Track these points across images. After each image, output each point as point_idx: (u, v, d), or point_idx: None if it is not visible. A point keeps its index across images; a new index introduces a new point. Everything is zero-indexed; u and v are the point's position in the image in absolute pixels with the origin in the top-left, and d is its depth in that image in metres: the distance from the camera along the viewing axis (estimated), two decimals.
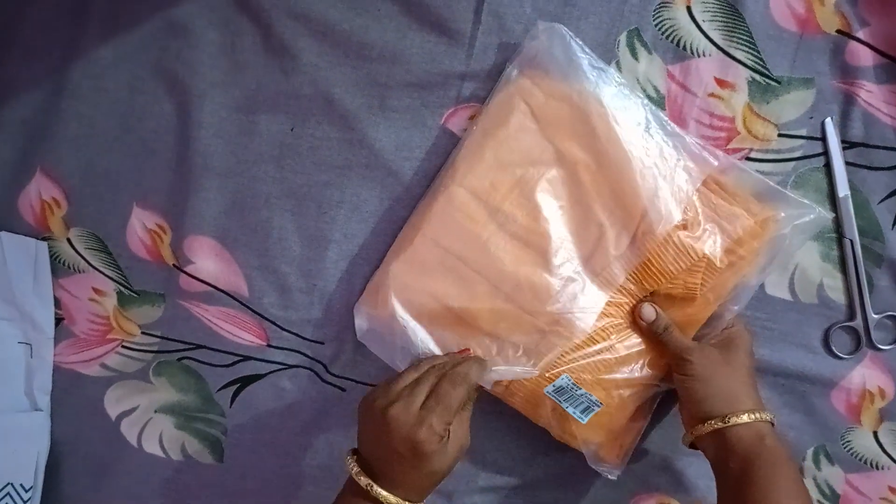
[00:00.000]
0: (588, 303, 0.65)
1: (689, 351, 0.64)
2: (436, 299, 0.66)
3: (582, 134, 0.65)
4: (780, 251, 0.65)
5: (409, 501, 0.58)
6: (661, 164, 0.64)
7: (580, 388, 0.66)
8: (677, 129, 0.65)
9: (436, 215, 0.67)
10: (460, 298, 0.66)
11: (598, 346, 0.66)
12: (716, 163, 0.65)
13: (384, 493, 0.57)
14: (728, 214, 0.65)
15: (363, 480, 0.58)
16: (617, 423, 0.68)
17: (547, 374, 0.66)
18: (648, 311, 0.66)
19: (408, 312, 0.67)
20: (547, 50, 0.65)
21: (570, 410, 0.66)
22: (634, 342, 0.67)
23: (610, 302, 0.66)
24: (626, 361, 0.67)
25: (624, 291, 0.66)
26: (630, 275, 0.66)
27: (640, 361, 0.67)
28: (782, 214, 0.65)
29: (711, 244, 0.64)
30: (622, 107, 0.65)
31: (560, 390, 0.66)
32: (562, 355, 0.66)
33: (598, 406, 0.66)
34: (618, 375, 0.67)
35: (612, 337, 0.66)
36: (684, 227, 0.64)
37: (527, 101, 0.66)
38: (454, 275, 0.66)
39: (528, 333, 0.66)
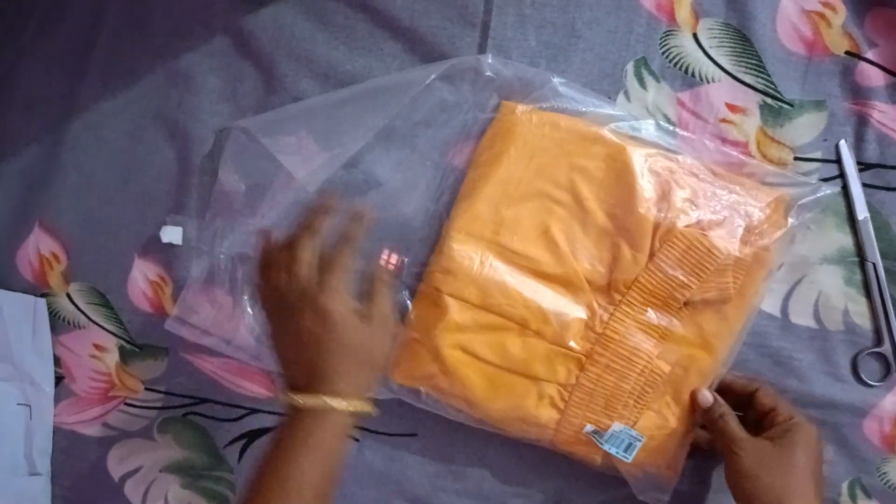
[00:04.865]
0: (619, 326, 0.64)
1: (740, 444, 0.60)
2: (472, 356, 0.65)
3: (576, 154, 0.64)
4: (796, 233, 0.65)
5: (342, 397, 0.52)
6: (661, 167, 0.64)
7: (618, 427, 0.64)
8: (669, 127, 0.66)
9: (446, 269, 0.65)
10: (493, 348, 0.65)
11: (638, 369, 0.64)
12: (715, 155, 0.65)
13: (315, 397, 0.52)
14: (738, 205, 0.64)
15: (289, 397, 0.53)
16: (668, 443, 0.66)
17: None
18: (705, 397, 0.64)
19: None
20: (518, 79, 0.66)
21: (612, 451, 0.64)
22: (676, 357, 0.65)
23: (641, 320, 0.64)
24: (671, 378, 0.65)
25: (656, 307, 0.65)
26: (658, 289, 0.64)
27: (686, 375, 0.65)
28: (789, 195, 0.64)
29: (732, 239, 0.63)
30: (609, 120, 0.65)
31: (597, 432, 0.64)
32: (603, 384, 0.64)
33: (640, 440, 0.64)
34: (666, 395, 0.65)
35: (653, 356, 0.65)
36: (700, 228, 0.63)
37: (515, 133, 0.65)
38: (481, 326, 0.65)
39: (565, 368, 0.64)
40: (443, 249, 0.65)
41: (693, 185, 0.64)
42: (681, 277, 0.63)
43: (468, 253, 0.65)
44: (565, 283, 0.65)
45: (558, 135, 0.65)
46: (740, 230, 0.64)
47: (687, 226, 0.63)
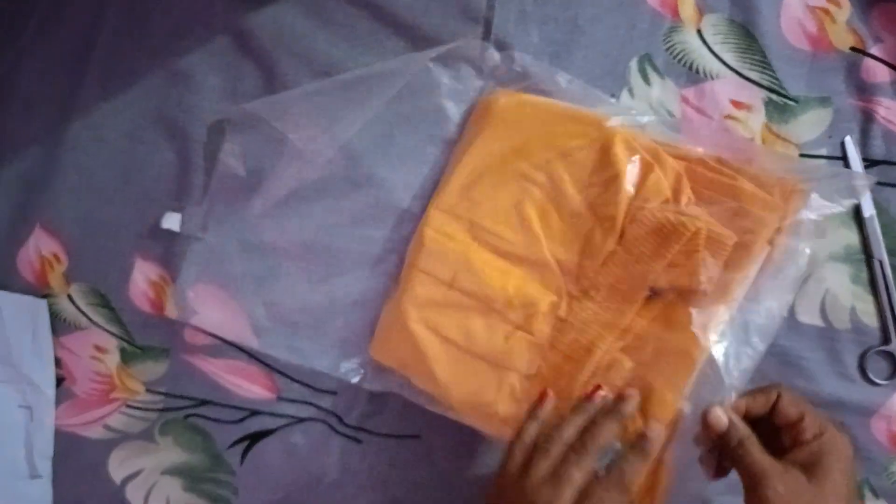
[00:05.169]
0: (582, 313, 0.61)
1: (766, 476, 0.51)
2: (438, 335, 0.64)
3: (558, 135, 0.63)
4: (807, 229, 0.58)
5: None
6: (649, 151, 0.61)
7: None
8: (671, 121, 0.65)
9: (421, 245, 0.65)
10: (458, 328, 0.63)
11: (595, 360, 0.60)
12: (723, 149, 0.61)
13: None
14: (729, 189, 0.58)
15: None
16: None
17: None
18: (719, 418, 0.53)
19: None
20: (520, 73, 0.65)
21: None
22: (641, 354, 0.59)
23: (605, 307, 0.61)
24: (636, 381, 0.59)
25: (622, 293, 0.60)
26: (624, 273, 0.60)
27: (654, 380, 0.58)
28: (804, 183, 0.58)
29: (708, 219, 0.57)
30: (591, 101, 0.64)
31: None
32: (562, 381, 0.60)
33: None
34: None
35: (614, 348, 0.60)
36: (678, 210, 0.58)
37: (494, 112, 0.65)
38: (449, 304, 0.64)
39: (526, 356, 0.61)
40: (422, 229, 0.65)
41: (681, 169, 0.60)
42: (646, 257, 0.59)
43: (444, 230, 0.64)
44: (536, 265, 0.62)
45: (541, 115, 0.64)
46: (728, 215, 0.58)
47: (666, 206, 0.59)
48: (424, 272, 0.64)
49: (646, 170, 0.60)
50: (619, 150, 0.60)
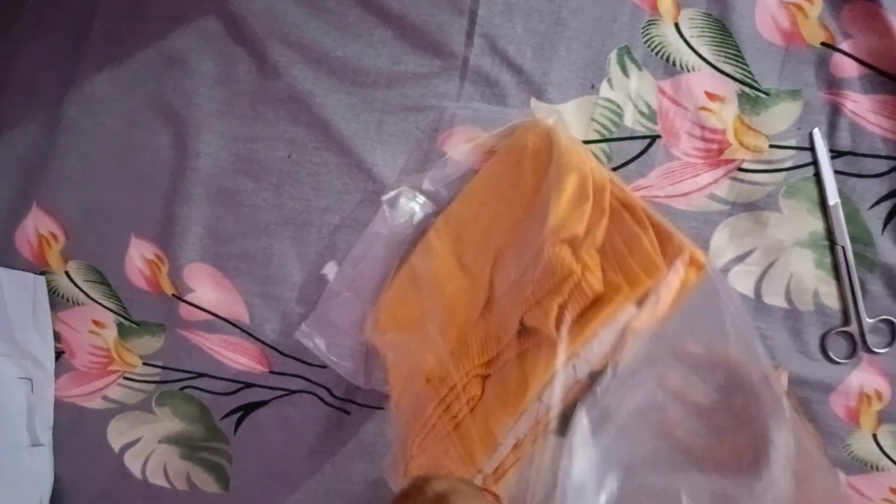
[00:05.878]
0: (473, 336, 0.60)
1: None
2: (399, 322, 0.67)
3: (544, 166, 0.62)
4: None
5: None
6: (598, 185, 0.58)
7: None
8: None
9: (419, 246, 0.68)
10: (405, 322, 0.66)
11: (444, 392, 0.59)
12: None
13: None
14: (632, 240, 0.54)
15: None
16: None
17: None
18: None
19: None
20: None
21: None
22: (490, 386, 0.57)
23: (489, 335, 0.59)
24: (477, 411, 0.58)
25: (501, 325, 0.58)
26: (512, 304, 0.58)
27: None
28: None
29: (591, 266, 0.54)
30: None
31: None
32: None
33: None
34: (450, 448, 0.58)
35: (462, 387, 0.58)
36: (570, 250, 0.55)
37: (518, 142, 0.67)
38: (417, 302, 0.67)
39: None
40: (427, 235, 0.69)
41: (606, 208, 0.56)
42: (522, 288, 0.56)
43: (440, 236, 0.68)
44: (471, 284, 0.63)
45: (546, 148, 0.63)
46: (613, 264, 0.54)
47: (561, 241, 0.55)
48: (409, 273, 0.67)
49: (578, 203, 0.57)
50: (569, 184, 0.57)
